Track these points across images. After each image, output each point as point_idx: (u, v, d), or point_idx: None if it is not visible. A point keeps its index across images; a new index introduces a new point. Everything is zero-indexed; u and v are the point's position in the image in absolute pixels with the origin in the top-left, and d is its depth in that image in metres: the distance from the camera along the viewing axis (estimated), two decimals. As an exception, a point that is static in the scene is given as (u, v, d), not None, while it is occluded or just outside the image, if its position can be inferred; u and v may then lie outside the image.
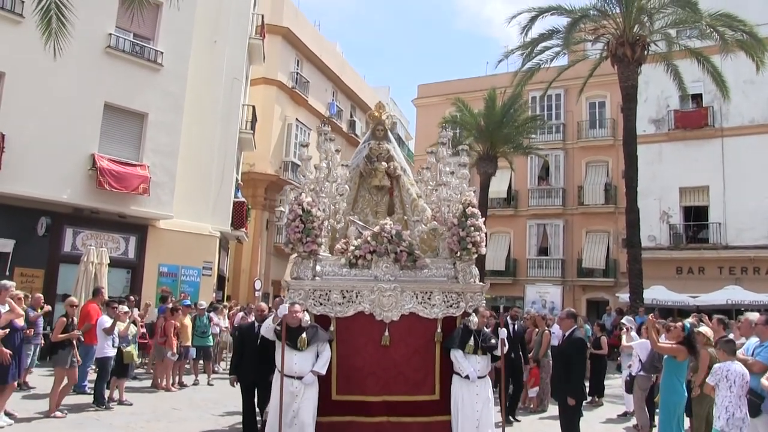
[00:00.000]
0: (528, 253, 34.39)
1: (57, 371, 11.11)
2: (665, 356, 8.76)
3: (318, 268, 8.71)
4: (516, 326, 12.82)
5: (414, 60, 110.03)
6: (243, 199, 24.54)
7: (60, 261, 17.76)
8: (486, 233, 8.86)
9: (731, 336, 8.81)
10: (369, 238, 8.75)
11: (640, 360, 10.59)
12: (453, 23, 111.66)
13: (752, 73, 23.18)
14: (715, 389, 7.05)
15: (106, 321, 11.92)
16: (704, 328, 9.39)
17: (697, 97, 28.73)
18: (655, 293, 24.77)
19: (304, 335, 7.92)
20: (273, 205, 29.76)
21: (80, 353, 11.78)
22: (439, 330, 8.50)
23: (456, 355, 8.19)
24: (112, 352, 11.91)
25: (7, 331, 9.02)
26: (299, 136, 30.68)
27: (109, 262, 16.71)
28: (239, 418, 10.03)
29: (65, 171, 17.34)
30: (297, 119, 30.84)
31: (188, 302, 16.35)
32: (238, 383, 9.61)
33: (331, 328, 8.41)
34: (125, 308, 12.92)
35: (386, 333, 8.42)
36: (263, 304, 10.41)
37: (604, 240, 32.58)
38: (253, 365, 9.21)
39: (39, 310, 12.60)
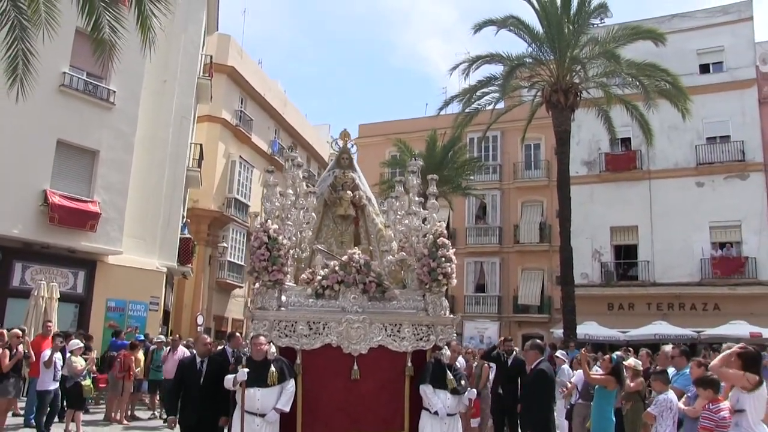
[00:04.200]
0: (465, 289, 34.95)
1: (1, 402, 11.37)
2: (596, 386, 9.54)
3: (283, 298, 8.18)
4: (512, 359, 11.51)
5: (352, 97, 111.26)
6: (189, 236, 24.63)
7: (8, 295, 17.62)
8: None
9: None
10: (337, 268, 8.36)
11: (578, 389, 11.30)
12: (389, 61, 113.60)
13: (676, 119, 24.53)
14: (656, 418, 7.64)
15: (45, 354, 12.00)
16: (631, 360, 10.30)
17: (626, 141, 30.26)
18: (588, 329, 25.53)
19: (273, 369, 7.43)
20: (216, 240, 29.86)
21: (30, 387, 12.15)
22: (409, 364, 8.21)
23: (425, 390, 7.88)
24: (53, 386, 11.93)
25: None
26: (242, 173, 30.97)
27: (59, 296, 16.70)
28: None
29: (17, 206, 17.30)
30: (240, 156, 31.02)
31: (141, 336, 16.38)
32: (178, 425, 8.62)
33: (297, 361, 7.89)
34: (79, 343, 12.94)
35: (355, 366, 8.02)
36: (206, 336, 9.77)
37: (539, 277, 33.53)
38: (196, 405, 8.35)
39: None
